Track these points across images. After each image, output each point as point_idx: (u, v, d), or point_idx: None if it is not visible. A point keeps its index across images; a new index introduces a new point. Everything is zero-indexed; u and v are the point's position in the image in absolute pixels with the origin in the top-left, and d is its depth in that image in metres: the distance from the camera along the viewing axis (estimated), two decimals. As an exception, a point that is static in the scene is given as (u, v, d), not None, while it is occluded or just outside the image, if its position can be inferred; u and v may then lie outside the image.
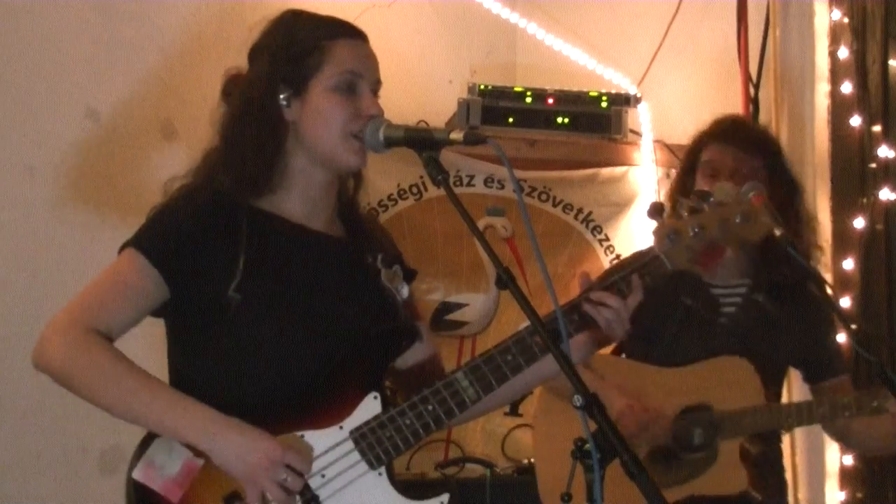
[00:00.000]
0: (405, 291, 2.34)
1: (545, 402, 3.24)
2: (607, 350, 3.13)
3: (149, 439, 2.11)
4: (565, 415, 3.05)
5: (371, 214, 2.43)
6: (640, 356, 3.13)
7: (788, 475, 3.38)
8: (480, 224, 4.30)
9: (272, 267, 2.18)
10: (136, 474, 2.10)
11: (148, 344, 2.29)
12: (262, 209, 2.23)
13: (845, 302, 4.03)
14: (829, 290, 2.90)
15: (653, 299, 2.99)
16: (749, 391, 2.98)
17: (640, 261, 2.26)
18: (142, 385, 2.09)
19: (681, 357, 3.06)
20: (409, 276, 2.40)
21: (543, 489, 3.18)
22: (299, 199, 2.26)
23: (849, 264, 4.10)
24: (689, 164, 3.17)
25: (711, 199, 2.24)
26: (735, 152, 3.09)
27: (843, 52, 4.20)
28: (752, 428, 2.97)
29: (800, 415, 2.96)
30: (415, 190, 4.36)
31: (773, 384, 3.09)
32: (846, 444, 3.41)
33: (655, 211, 2.23)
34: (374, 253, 2.33)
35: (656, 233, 2.24)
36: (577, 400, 1.80)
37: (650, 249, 2.28)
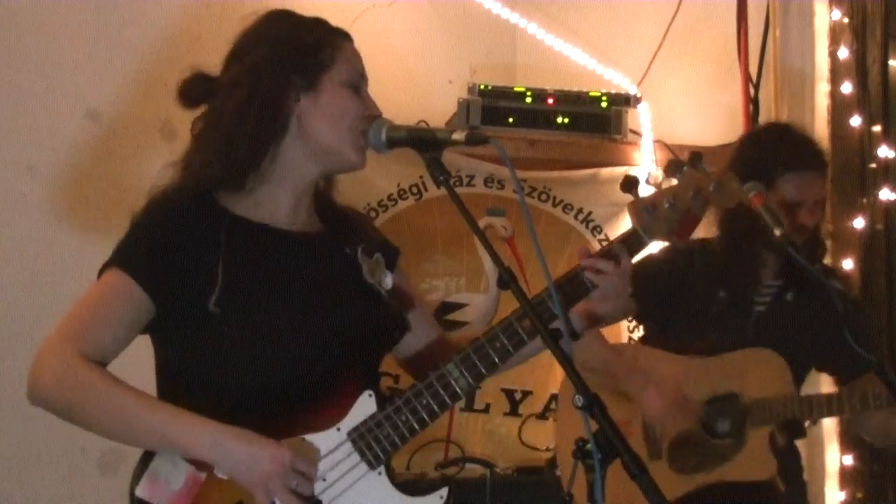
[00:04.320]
0: (388, 281, 2.32)
1: (568, 394, 3.27)
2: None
3: (149, 454, 2.09)
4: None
5: (348, 206, 2.41)
6: (669, 344, 3.15)
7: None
8: (480, 224, 4.28)
9: (251, 275, 2.16)
10: (140, 492, 2.07)
11: (139, 357, 2.26)
12: (239, 216, 2.20)
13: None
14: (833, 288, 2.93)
15: (689, 290, 3.00)
16: (779, 382, 3.01)
17: (621, 237, 2.28)
18: (141, 405, 2.06)
19: (708, 349, 3.09)
20: (393, 256, 2.38)
21: (565, 478, 3.21)
22: (284, 195, 2.24)
23: (849, 264, 4.10)
24: (756, 177, 2.94)
25: (685, 169, 2.25)
26: (814, 179, 3.08)
27: (843, 52, 4.21)
28: (781, 415, 2.99)
29: (830, 404, 2.98)
30: (415, 190, 4.36)
31: (795, 382, 3.10)
32: (865, 435, 3.39)
33: (630, 185, 2.23)
34: (354, 245, 2.31)
35: (632, 207, 2.25)
36: (578, 400, 1.80)
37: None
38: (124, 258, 2.13)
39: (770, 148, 3.12)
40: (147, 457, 2.09)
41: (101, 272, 2.15)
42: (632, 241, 2.26)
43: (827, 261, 3.97)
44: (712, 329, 3.11)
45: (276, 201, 2.24)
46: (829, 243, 3.53)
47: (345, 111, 2.20)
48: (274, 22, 2.27)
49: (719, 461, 3.01)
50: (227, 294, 2.11)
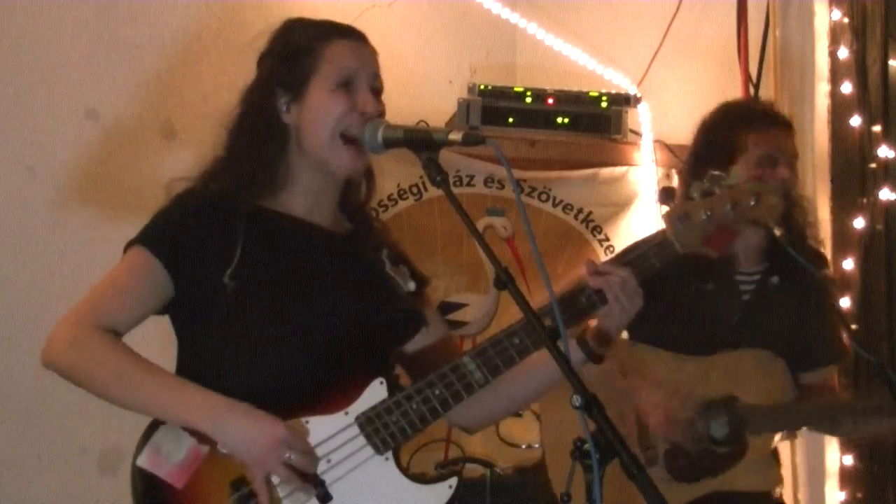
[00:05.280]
0: (412, 285, 2.35)
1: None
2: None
3: (153, 426, 2.13)
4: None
5: (382, 221, 2.45)
6: (656, 339, 3.07)
7: (788, 475, 3.37)
8: (480, 224, 4.30)
9: (269, 256, 2.21)
10: (142, 461, 2.11)
11: (158, 340, 2.29)
12: (264, 206, 2.26)
13: (845, 302, 4.03)
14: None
15: (675, 282, 2.96)
16: (778, 387, 2.95)
17: (651, 243, 2.25)
18: (146, 374, 2.11)
19: (695, 343, 3.02)
20: (421, 282, 2.41)
21: (554, 476, 3.12)
22: (301, 197, 2.29)
23: (849, 264, 4.10)
24: (723, 153, 3.02)
25: (724, 183, 2.24)
26: (782, 134, 3.03)
27: (843, 52, 4.21)
28: (781, 426, 2.95)
29: (832, 416, 2.90)
30: (415, 190, 4.36)
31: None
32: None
33: (667, 196, 2.24)
34: (380, 248, 2.35)
35: (667, 216, 2.24)
36: (577, 400, 1.80)
37: (661, 232, 2.26)
38: (144, 235, 2.21)
39: (732, 119, 3.09)
40: (151, 428, 2.13)
41: (124, 251, 2.23)
42: (664, 249, 2.24)
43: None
44: (701, 321, 3.04)
45: (295, 202, 2.29)
46: (827, 243, 3.53)
47: (328, 112, 2.22)
48: (276, 35, 2.33)
49: (720, 470, 2.93)
50: (243, 269, 2.16)
